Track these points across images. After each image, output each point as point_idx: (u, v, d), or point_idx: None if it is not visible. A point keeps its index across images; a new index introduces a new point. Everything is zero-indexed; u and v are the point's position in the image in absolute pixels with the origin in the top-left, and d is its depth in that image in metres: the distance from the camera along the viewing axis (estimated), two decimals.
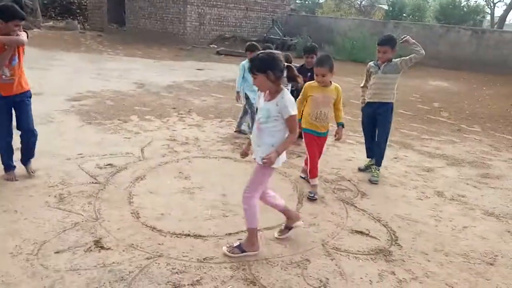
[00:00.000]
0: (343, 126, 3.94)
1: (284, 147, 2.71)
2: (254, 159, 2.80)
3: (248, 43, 5.67)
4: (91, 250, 2.75)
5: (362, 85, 4.63)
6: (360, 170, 4.70)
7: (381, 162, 4.53)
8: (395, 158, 5.26)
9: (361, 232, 3.29)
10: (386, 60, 4.34)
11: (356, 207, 3.76)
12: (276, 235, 3.10)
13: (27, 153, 3.86)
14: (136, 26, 19.25)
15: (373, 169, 4.50)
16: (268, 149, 2.68)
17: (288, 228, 3.10)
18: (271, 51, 2.78)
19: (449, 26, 17.33)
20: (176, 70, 11.32)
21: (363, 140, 4.99)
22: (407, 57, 4.31)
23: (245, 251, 2.81)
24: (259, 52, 2.73)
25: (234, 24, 19.52)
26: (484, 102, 9.96)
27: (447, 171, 4.96)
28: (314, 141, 3.88)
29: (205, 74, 11.12)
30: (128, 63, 11.82)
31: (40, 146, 3.99)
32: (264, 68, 2.56)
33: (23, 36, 3.46)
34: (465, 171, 4.99)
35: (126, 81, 9.24)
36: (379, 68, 4.39)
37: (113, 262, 2.64)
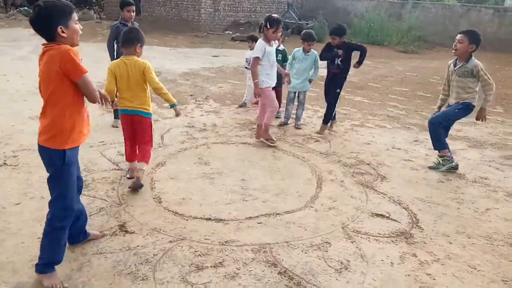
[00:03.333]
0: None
1: None
2: None
3: (308, 31, 5.76)
4: (116, 234, 2.82)
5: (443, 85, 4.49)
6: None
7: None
8: (416, 141, 5.19)
9: (381, 215, 3.28)
10: (462, 54, 4.08)
11: (376, 190, 3.74)
12: None
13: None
14: (151, 14, 19.25)
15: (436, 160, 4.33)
16: None
17: None
18: None
19: (469, 6, 16.74)
20: (192, 58, 11.32)
21: (382, 123, 4.92)
22: (484, 84, 4.04)
23: None
24: None
25: (248, 9, 19.30)
26: (507, 83, 9.67)
27: (469, 153, 4.88)
28: None
29: (220, 60, 11.10)
30: (145, 51, 11.71)
31: None
32: None
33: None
34: (487, 153, 4.89)
35: None
36: (454, 67, 4.20)
37: (138, 246, 2.71)
